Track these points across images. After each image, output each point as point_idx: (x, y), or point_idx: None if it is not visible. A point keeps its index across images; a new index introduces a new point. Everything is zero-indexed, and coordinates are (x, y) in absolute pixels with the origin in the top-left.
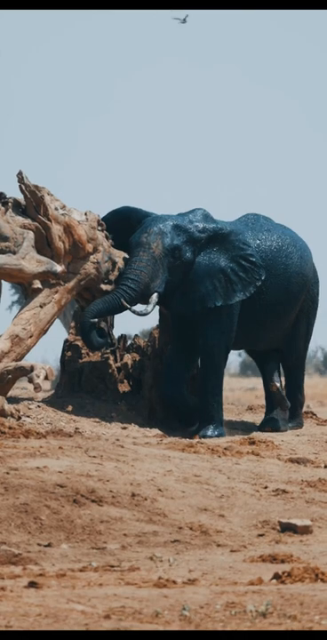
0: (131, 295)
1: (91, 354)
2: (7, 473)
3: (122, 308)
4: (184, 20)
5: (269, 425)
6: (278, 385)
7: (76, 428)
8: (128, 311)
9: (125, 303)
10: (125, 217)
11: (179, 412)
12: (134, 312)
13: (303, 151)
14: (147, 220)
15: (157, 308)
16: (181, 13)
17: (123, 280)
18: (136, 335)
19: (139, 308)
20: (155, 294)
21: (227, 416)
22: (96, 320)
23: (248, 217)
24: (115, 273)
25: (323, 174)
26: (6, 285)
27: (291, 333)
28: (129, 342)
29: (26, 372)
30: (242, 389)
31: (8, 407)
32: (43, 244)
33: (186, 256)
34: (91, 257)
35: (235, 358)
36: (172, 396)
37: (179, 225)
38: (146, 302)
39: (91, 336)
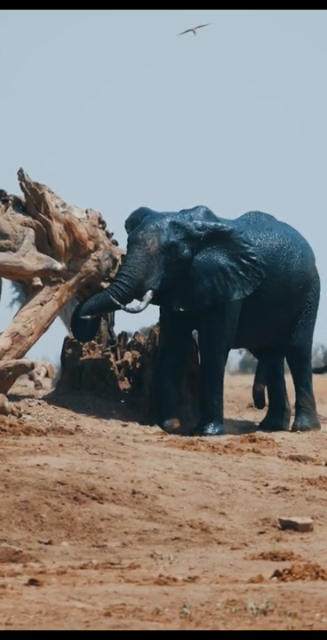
0: (123, 291)
1: (91, 351)
2: (8, 470)
3: (113, 306)
4: (194, 32)
5: (271, 424)
6: (263, 387)
7: (77, 426)
8: (127, 302)
9: (115, 300)
10: (137, 217)
11: (169, 405)
12: (126, 309)
13: (304, 151)
14: (146, 217)
15: (158, 305)
16: (191, 27)
17: (116, 277)
18: (136, 333)
19: (131, 305)
20: (150, 291)
21: (227, 414)
22: (88, 317)
23: (250, 215)
24: (116, 270)
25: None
26: (7, 283)
27: (296, 332)
28: (129, 340)
29: (26, 370)
30: (242, 387)
31: (8, 405)
32: (44, 242)
33: (183, 253)
34: (92, 255)
35: (236, 356)
36: (168, 390)
37: (178, 222)
38: (140, 299)
39: (79, 330)
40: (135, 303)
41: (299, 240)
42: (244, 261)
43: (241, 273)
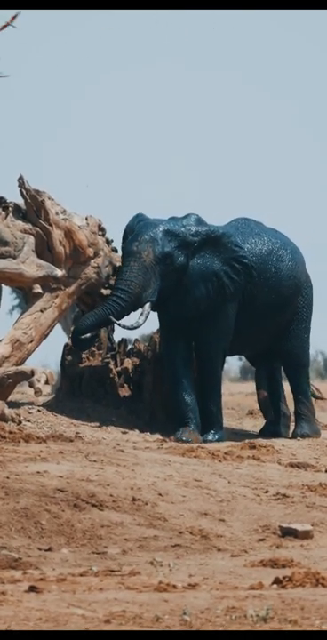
0: (121, 305)
1: (91, 358)
2: (7, 477)
3: (111, 322)
4: None
5: (271, 430)
6: (266, 394)
7: (77, 433)
8: (125, 316)
9: (113, 318)
10: (133, 224)
11: (190, 419)
12: (125, 327)
13: (295, 154)
14: (138, 226)
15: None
16: None
17: (113, 292)
18: (136, 339)
19: (131, 321)
20: (148, 304)
21: (227, 421)
22: (88, 335)
23: (238, 221)
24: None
25: (317, 178)
26: (7, 290)
27: (289, 339)
28: (129, 346)
29: (26, 377)
30: (242, 394)
31: (8, 411)
32: (44, 249)
33: (178, 261)
34: (92, 261)
35: (236, 362)
36: (188, 402)
37: (171, 230)
38: (139, 310)
39: (80, 344)
40: (134, 318)
41: (288, 244)
42: (236, 265)
43: (233, 276)
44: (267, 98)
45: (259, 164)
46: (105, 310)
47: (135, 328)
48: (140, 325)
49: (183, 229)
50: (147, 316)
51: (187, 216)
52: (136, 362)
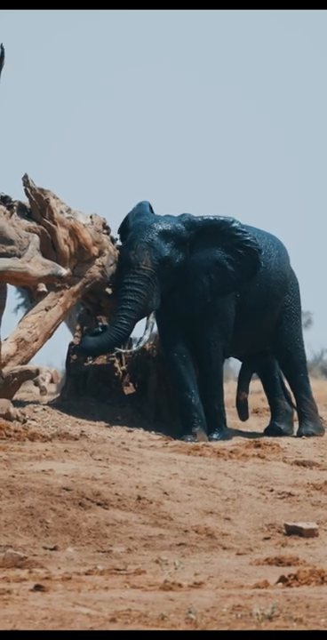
0: (132, 319)
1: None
2: (13, 476)
3: (121, 344)
4: None
5: (275, 429)
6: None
7: (82, 431)
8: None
9: (121, 350)
10: (132, 215)
11: (196, 419)
12: (132, 352)
13: (295, 158)
14: (133, 227)
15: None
16: None
17: (119, 311)
18: (141, 338)
19: (137, 339)
20: (152, 314)
21: (232, 419)
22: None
23: None
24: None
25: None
26: (12, 288)
27: (280, 338)
28: (134, 345)
29: (31, 376)
30: None
31: (14, 410)
32: (49, 248)
33: (177, 261)
34: (97, 260)
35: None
36: (193, 403)
37: (166, 230)
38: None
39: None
40: (138, 334)
41: (274, 240)
42: (240, 251)
43: (238, 263)
44: (267, 102)
45: (258, 167)
46: (114, 334)
47: (143, 345)
48: (147, 341)
49: (178, 225)
50: (152, 328)
51: (181, 216)
52: (141, 360)
